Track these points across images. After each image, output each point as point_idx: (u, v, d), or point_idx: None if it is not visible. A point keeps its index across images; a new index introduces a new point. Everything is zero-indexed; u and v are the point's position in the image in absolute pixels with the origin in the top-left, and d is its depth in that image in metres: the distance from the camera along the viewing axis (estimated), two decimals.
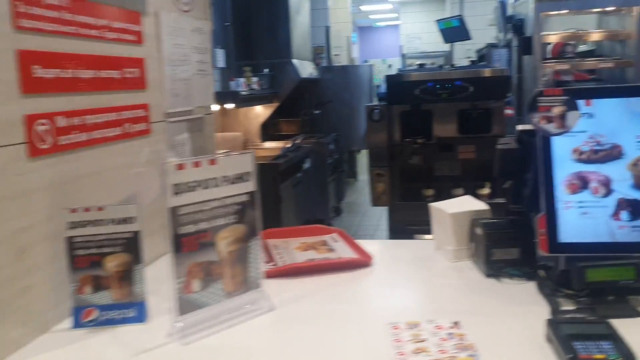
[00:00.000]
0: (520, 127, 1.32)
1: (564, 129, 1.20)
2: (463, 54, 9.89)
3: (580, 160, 1.25)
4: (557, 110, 1.22)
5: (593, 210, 1.24)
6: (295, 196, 5.32)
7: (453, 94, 3.30)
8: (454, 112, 3.44)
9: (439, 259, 1.61)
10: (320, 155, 5.91)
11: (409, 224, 3.34)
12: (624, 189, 1.23)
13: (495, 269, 1.43)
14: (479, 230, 1.48)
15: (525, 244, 1.38)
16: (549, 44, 5.09)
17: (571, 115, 1.22)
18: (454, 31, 7.93)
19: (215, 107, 4.98)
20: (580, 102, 1.27)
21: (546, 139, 1.25)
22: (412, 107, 3.43)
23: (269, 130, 6.26)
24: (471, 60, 4.21)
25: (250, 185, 1.31)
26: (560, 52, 5.10)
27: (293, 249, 1.74)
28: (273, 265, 1.59)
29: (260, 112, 5.94)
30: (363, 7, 14.26)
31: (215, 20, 5.19)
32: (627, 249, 1.21)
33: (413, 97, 3.35)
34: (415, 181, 3.63)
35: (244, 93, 4.86)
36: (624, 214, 1.22)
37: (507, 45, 4.03)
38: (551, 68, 4.06)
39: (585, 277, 1.17)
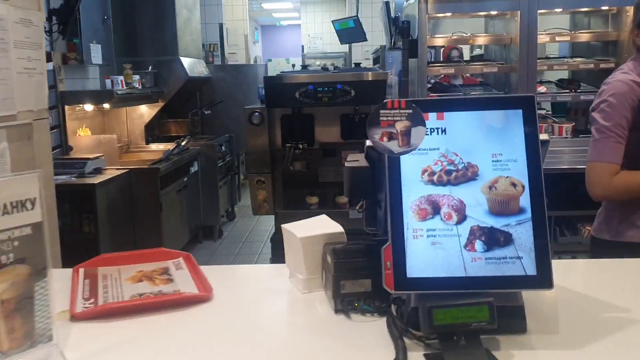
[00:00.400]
0: (368, 142, 1.14)
1: (408, 147, 1.03)
2: (362, 55, 9.91)
3: (431, 182, 1.09)
4: (400, 125, 1.05)
5: (444, 239, 1.07)
6: (180, 202, 5.01)
7: (334, 98, 3.14)
8: (336, 117, 3.29)
9: (290, 290, 1.42)
10: (210, 157, 5.62)
11: None
12: (478, 215, 1.08)
13: (345, 304, 1.24)
14: (328, 258, 1.29)
15: (379, 274, 1.21)
16: (437, 47, 5.08)
17: (417, 131, 1.05)
18: (350, 32, 7.86)
19: (88, 107, 4.60)
20: (432, 115, 1.11)
21: (394, 156, 1.08)
22: (294, 111, 3.24)
23: (154, 131, 5.89)
24: (356, 63, 4.07)
25: (35, 215, 1.05)
26: (447, 55, 5.11)
27: (124, 280, 1.48)
28: (91, 303, 1.33)
29: (145, 112, 5.57)
30: (265, 5, 14.00)
31: (93, 14, 4.78)
32: (481, 285, 1.05)
33: (293, 100, 3.16)
34: (298, 188, 3.45)
35: (120, 92, 4.48)
36: (478, 244, 1.07)
37: (396, 48, 3.93)
38: (436, 72, 4.01)
39: (432, 320, 1.01)
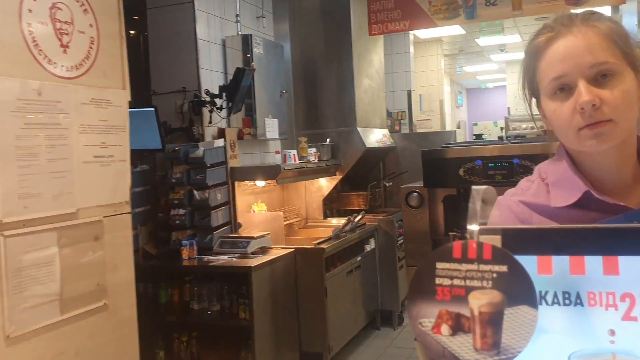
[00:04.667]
0: None
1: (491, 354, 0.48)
2: None
3: None
4: (479, 302, 0.51)
5: None
6: (353, 284, 4.61)
7: (510, 176, 2.52)
8: None
9: None
10: (389, 234, 5.17)
11: None
12: None
13: None
14: None
15: None
16: None
17: (516, 318, 0.50)
18: None
19: (260, 183, 4.48)
20: (594, 262, 0.54)
21: None
22: (459, 192, 2.68)
23: (333, 205, 5.65)
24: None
25: None
26: None
27: None
28: None
29: (324, 185, 5.37)
30: (467, 68, 13.50)
31: (270, 88, 4.77)
32: None
33: (457, 178, 2.61)
34: None
35: (288, 167, 4.31)
36: None
37: None
38: None
39: None
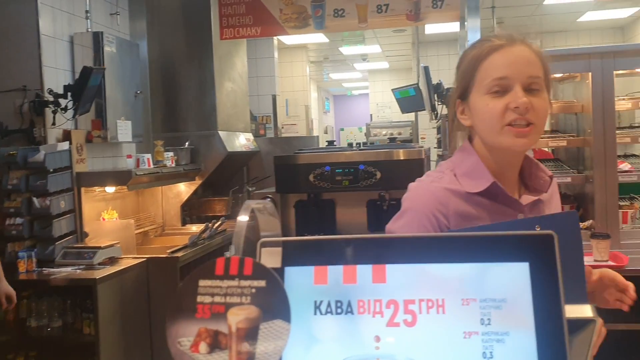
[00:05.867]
0: None
1: None
2: (429, 124, 9.32)
3: None
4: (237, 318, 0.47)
5: None
6: None
7: (356, 181, 2.57)
8: (362, 203, 2.71)
9: None
10: (250, 240, 5.10)
11: None
12: None
13: None
14: None
15: None
16: None
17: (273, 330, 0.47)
18: (411, 100, 7.34)
19: (109, 189, 4.23)
20: (364, 271, 0.51)
21: None
22: (309, 197, 2.69)
23: (193, 211, 5.49)
24: (390, 138, 3.52)
25: None
26: None
27: None
28: None
29: (182, 190, 5.20)
30: (334, 75, 13.83)
31: (123, 89, 4.53)
32: None
33: (308, 184, 2.62)
34: None
35: (141, 172, 4.11)
36: None
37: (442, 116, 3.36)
38: None
39: None
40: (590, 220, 2.96)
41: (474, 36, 5.86)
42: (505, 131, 1.17)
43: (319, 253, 0.70)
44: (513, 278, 0.63)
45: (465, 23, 5.78)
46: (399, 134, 9.70)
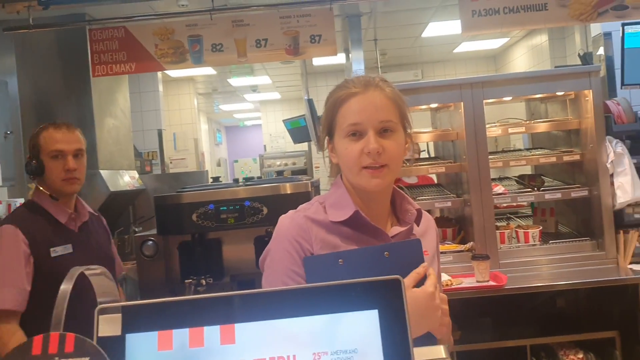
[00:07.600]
0: None
1: None
2: (321, 154, 9.45)
3: None
4: None
5: None
6: None
7: (242, 218, 2.52)
8: (249, 241, 2.66)
9: None
10: (136, 283, 4.88)
11: None
12: None
13: None
14: None
15: None
16: None
17: None
18: (302, 131, 7.43)
19: None
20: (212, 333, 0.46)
21: None
22: (193, 237, 2.60)
23: None
24: (278, 171, 3.50)
25: None
26: None
27: None
28: None
29: None
30: (224, 107, 13.73)
31: None
32: None
33: (191, 224, 2.53)
34: None
35: None
36: None
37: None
38: None
39: None
40: (471, 242, 3.08)
41: (358, 66, 6.06)
42: (362, 173, 1.28)
43: (162, 316, 0.64)
44: (363, 326, 0.62)
45: (350, 55, 5.98)
46: (294, 164, 9.75)
